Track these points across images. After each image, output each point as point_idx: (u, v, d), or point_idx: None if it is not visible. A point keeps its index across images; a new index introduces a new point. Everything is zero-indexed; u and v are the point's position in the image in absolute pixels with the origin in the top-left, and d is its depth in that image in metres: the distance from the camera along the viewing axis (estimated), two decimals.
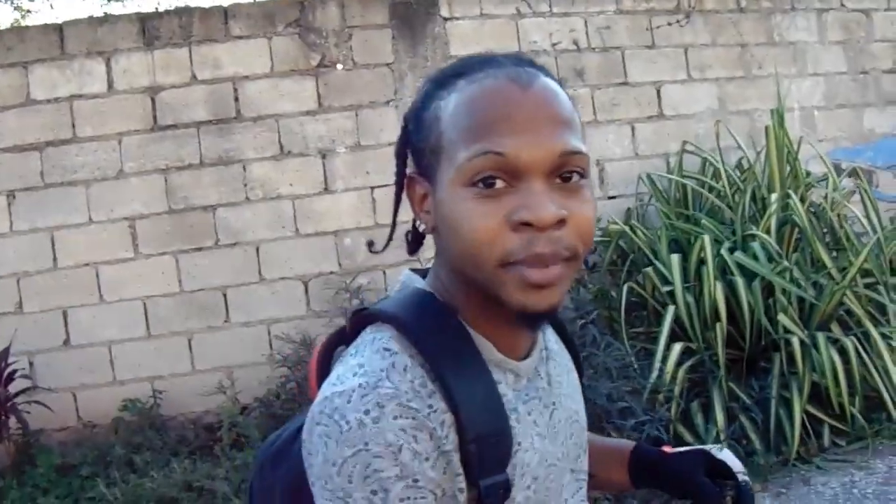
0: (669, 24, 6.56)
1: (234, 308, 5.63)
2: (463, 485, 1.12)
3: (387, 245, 1.37)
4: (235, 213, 5.63)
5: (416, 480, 1.07)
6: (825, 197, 5.82)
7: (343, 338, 1.27)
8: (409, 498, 1.06)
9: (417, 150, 1.21)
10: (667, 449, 1.56)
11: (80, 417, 5.45)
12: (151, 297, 5.57)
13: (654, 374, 4.98)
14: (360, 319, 1.22)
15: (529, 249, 1.08)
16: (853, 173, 6.39)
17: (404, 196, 1.28)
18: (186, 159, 5.60)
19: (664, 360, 5.03)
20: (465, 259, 1.12)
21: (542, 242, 1.09)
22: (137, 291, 5.56)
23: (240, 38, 5.71)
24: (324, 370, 1.26)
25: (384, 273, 5.79)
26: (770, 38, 6.92)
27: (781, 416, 5.08)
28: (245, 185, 5.65)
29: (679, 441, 4.91)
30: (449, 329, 1.17)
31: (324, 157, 5.75)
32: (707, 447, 1.53)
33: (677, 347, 5.06)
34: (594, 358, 4.66)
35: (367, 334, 1.19)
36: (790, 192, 5.58)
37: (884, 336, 5.36)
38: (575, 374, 1.46)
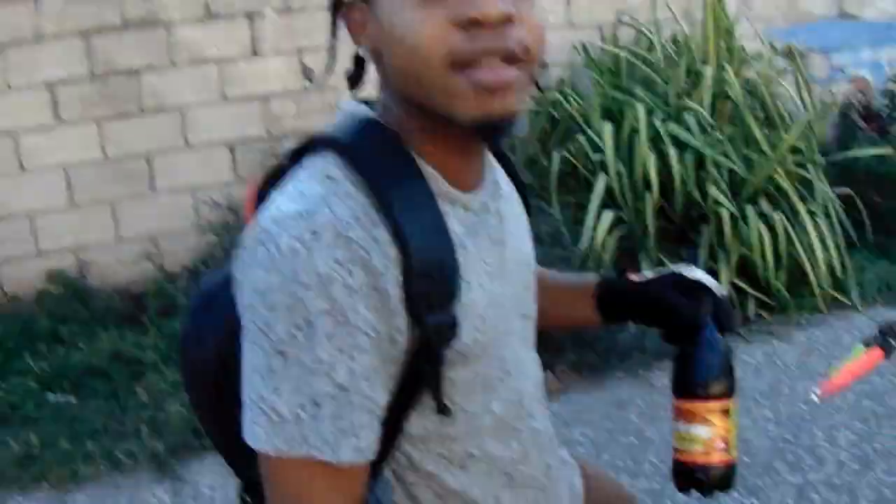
0: None
1: (159, 175, 5.50)
2: (403, 326, 1.08)
3: (356, 72, 1.25)
4: (160, 76, 5.45)
5: (345, 317, 1.03)
6: (759, 74, 5.81)
7: (282, 171, 1.22)
8: (336, 335, 1.02)
9: None
10: (633, 277, 1.49)
11: (4, 291, 5.30)
12: (74, 165, 5.39)
13: (585, 241, 4.98)
14: (301, 148, 1.17)
15: (477, 45, 1.04)
16: (787, 53, 6.38)
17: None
18: (108, 21, 5.37)
19: (595, 227, 5.02)
20: (410, 74, 1.08)
21: (491, 38, 1.05)
22: (59, 159, 5.37)
23: None
24: (260, 203, 1.20)
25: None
26: None
27: None
28: (169, 49, 5.45)
29: None
30: (396, 156, 1.13)
31: (251, 19, 5.57)
32: (676, 267, 1.47)
33: (608, 216, 5.06)
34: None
35: (307, 161, 1.14)
36: (725, 65, 5.55)
37: (810, 213, 5.42)
38: (525, 216, 1.41)
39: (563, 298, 1.56)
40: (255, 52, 5.58)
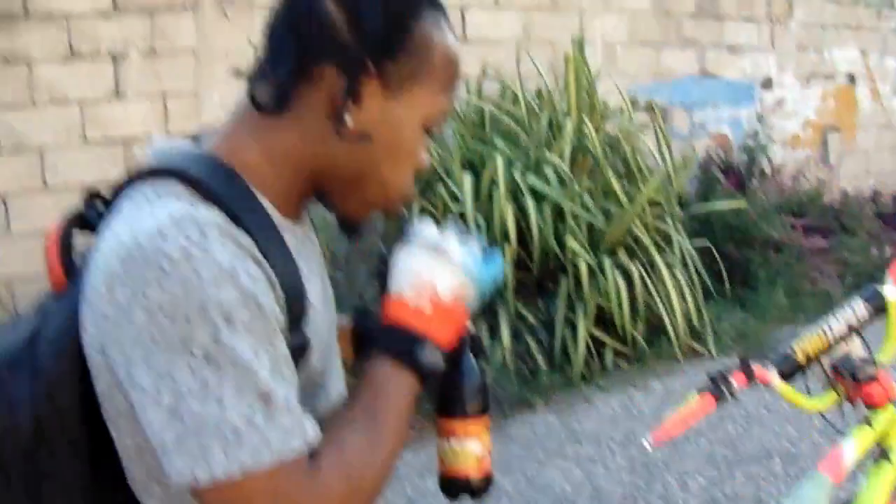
0: None
1: (15, 217, 5.34)
2: (284, 323, 1.07)
3: (281, 98, 1.17)
4: (19, 116, 5.31)
5: (257, 303, 1.00)
6: (619, 128, 5.97)
7: (84, 220, 1.18)
8: (254, 324, 1.00)
9: (389, 54, 1.13)
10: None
11: None
12: None
13: None
14: (132, 177, 1.11)
15: (411, 192, 1.25)
16: (649, 108, 6.58)
17: None
18: None
19: None
20: (378, 175, 1.18)
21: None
22: None
23: None
24: (66, 251, 1.16)
25: (97, 190, 5.58)
26: None
27: (567, 338, 5.23)
28: (31, 88, 5.34)
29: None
30: (233, 183, 1.10)
31: (116, 61, 5.49)
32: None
33: None
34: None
35: (143, 189, 1.08)
36: (586, 119, 5.69)
37: (668, 265, 5.58)
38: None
39: None
40: (118, 94, 5.50)
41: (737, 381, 2.01)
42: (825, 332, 2.11)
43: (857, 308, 2.12)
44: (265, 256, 1.05)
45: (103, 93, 5.45)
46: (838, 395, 2.13)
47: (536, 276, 5.35)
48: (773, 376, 2.07)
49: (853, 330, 2.11)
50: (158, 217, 1.01)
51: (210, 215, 1.02)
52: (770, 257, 6.69)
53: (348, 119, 1.12)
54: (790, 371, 2.10)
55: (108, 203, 1.16)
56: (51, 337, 1.08)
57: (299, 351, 1.10)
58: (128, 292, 0.98)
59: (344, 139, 1.13)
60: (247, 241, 1.04)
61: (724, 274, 6.28)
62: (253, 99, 1.14)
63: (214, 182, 1.08)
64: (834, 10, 8.89)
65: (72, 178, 5.38)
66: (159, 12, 5.55)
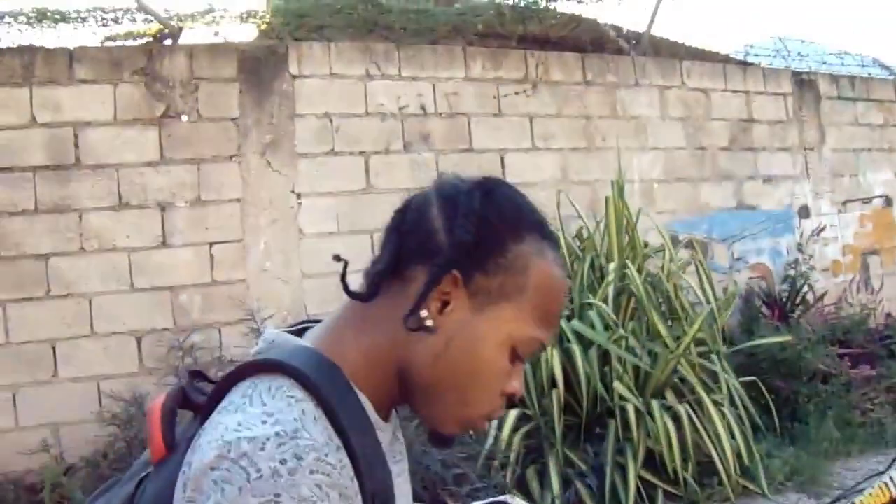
0: (516, 93, 6.70)
1: (62, 362, 5.39)
2: None
3: (372, 288, 1.22)
4: (69, 263, 5.42)
5: None
6: (662, 267, 5.98)
7: (186, 396, 1.24)
8: None
9: (480, 266, 1.18)
10: None
11: None
12: None
13: (490, 440, 4.98)
14: (238, 372, 1.16)
15: (500, 411, 1.23)
16: (689, 245, 6.59)
17: None
18: (20, 204, 5.36)
19: (500, 426, 5.03)
20: (456, 389, 1.18)
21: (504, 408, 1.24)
22: None
23: (84, 82, 5.54)
24: (168, 426, 1.20)
25: (219, 331, 5.66)
26: (613, 111, 7.15)
27: (617, 482, 5.15)
28: (80, 235, 5.45)
29: None
30: (342, 387, 1.14)
31: (163, 210, 5.60)
32: (501, 498, 1.57)
33: (513, 413, 5.08)
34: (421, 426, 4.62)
35: (256, 383, 1.12)
36: (628, 261, 5.71)
37: (715, 403, 5.51)
38: None
39: None
40: (164, 242, 5.59)
41: None
42: (888, 486, 2.07)
43: None
44: (358, 462, 1.08)
45: (150, 241, 5.54)
46: None
47: (584, 421, 5.30)
48: None
49: None
50: (266, 427, 1.04)
51: (312, 442, 1.04)
52: (818, 389, 6.60)
53: (424, 315, 1.15)
54: None
55: (212, 382, 1.23)
56: (149, 500, 1.14)
57: None
58: (212, 483, 1.02)
59: (418, 332, 1.16)
60: (342, 465, 1.06)
61: (773, 408, 6.18)
62: (346, 287, 1.21)
63: (321, 382, 1.11)
64: (865, 134, 8.95)
65: (119, 325, 5.44)
66: (205, 162, 5.69)
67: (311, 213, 5.97)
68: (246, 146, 5.81)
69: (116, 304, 5.48)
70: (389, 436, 1.25)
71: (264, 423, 1.05)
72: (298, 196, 5.94)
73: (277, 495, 0.99)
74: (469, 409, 1.20)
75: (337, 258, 1.31)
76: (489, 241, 1.17)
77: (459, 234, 1.15)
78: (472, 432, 1.17)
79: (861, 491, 2.11)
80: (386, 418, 1.24)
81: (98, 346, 5.45)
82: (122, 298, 5.49)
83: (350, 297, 1.21)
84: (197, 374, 1.29)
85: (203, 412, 1.16)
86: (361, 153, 6.17)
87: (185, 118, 5.68)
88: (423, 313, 1.15)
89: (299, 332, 1.26)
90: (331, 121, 6.08)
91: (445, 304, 1.16)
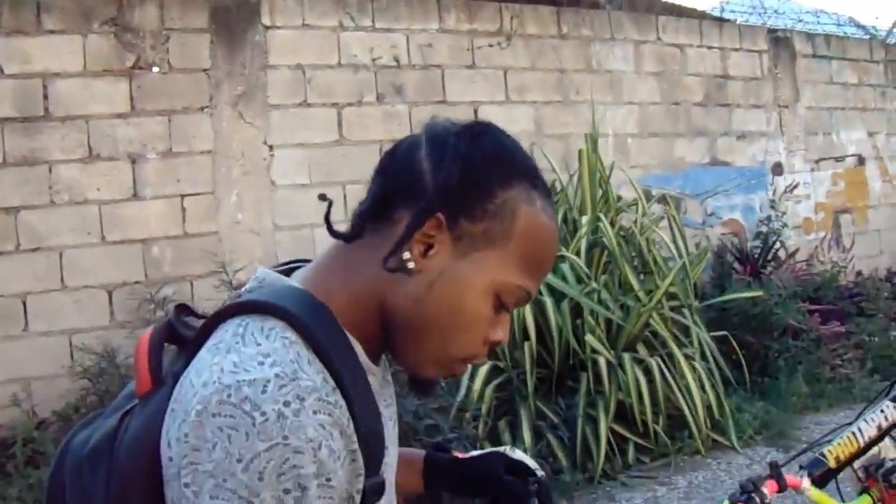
0: (491, 45, 6.66)
1: (33, 316, 5.35)
2: (361, 485, 1.10)
3: (355, 229, 1.22)
4: (39, 216, 5.36)
5: (328, 480, 1.03)
6: (635, 222, 5.99)
7: (173, 330, 1.23)
8: (320, 497, 1.02)
9: (466, 210, 1.15)
10: (458, 454, 1.61)
11: None
12: None
13: (462, 391, 5.00)
14: (227, 310, 1.14)
15: (482, 359, 1.21)
16: (662, 199, 6.61)
17: None
18: None
19: (472, 378, 5.05)
20: (438, 332, 1.16)
21: (486, 356, 1.23)
22: None
23: (52, 32, 5.44)
24: (156, 360, 1.19)
25: (191, 284, 5.63)
26: (588, 65, 7.13)
27: (588, 435, 5.19)
28: (50, 188, 5.38)
29: None
30: (334, 329, 1.13)
31: (134, 162, 5.55)
32: (501, 449, 1.60)
33: (485, 366, 5.09)
34: (401, 374, 4.63)
35: (247, 322, 1.11)
36: (601, 215, 5.71)
37: (687, 357, 5.55)
38: None
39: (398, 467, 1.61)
40: (136, 195, 5.54)
41: (768, 489, 1.96)
42: (856, 436, 2.08)
43: (887, 410, 2.10)
44: (352, 404, 1.08)
45: (121, 193, 5.49)
46: (872, 499, 2.09)
47: (556, 374, 5.33)
48: (805, 483, 2.03)
49: (884, 432, 2.09)
50: (265, 369, 1.03)
51: (312, 383, 1.04)
52: (788, 345, 6.65)
53: (406, 257, 1.14)
54: (822, 477, 2.06)
55: (199, 317, 1.22)
56: (133, 437, 1.11)
57: (377, 491, 1.13)
58: (216, 429, 1.01)
59: (403, 273, 1.15)
60: (339, 405, 1.06)
61: (744, 363, 6.23)
62: (329, 227, 1.21)
63: (313, 324, 1.11)
64: (839, 93, 8.99)
65: (90, 279, 5.40)
66: (176, 114, 5.62)
67: (284, 165, 5.93)
68: (218, 97, 5.75)
69: (87, 257, 5.43)
70: (379, 379, 1.25)
71: (261, 364, 1.04)
72: (271, 148, 5.90)
73: (286, 438, 1.00)
74: (449, 351, 1.18)
75: (322, 197, 1.31)
76: (475, 185, 1.15)
77: (444, 177, 1.14)
78: (445, 381, 1.15)
79: (830, 441, 2.11)
80: (375, 362, 1.23)
81: (69, 300, 5.41)
82: (93, 251, 5.45)
83: (334, 237, 1.20)
84: (184, 309, 1.27)
85: (191, 348, 1.15)
86: (334, 105, 6.12)
87: (155, 69, 5.61)
88: (406, 255, 1.14)
89: (288, 273, 1.25)
90: (303, 72, 6.03)
91: (429, 247, 1.15)
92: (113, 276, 5.47)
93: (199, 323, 1.20)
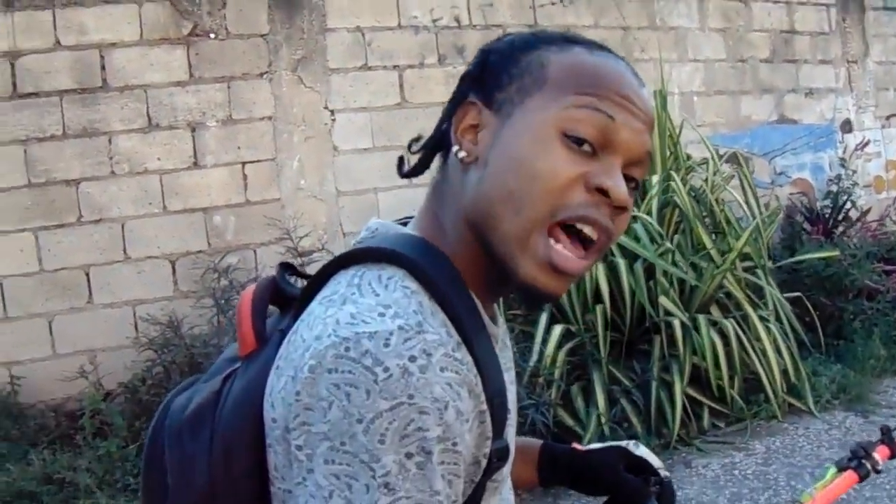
0: (553, 3, 6.52)
1: (97, 288, 5.33)
2: (488, 448, 1.01)
3: (419, 163, 1.19)
4: (100, 187, 5.33)
5: (454, 444, 0.94)
6: (706, 180, 5.83)
7: (278, 288, 1.15)
8: (444, 463, 0.93)
9: (495, 83, 1.08)
10: (577, 447, 1.51)
11: None
12: (9, 276, 5.21)
13: (535, 357, 4.89)
14: (339, 260, 1.05)
15: (589, 210, 1.02)
16: (732, 159, 6.44)
17: None
18: (48, 130, 5.25)
19: (544, 342, 4.94)
20: (508, 199, 1.02)
21: (602, 212, 1.03)
22: None
23: (108, 2, 5.38)
24: (260, 317, 1.10)
25: (255, 252, 5.58)
26: (652, 22, 6.96)
27: (662, 399, 5.07)
28: (110, 159, 5.35)
29: (560, 425, 4.85)
30: (455, 282, 1.04)
31: (193, 130, 5.49)
32: (623, 443, 1.49)
33: (557, 330, 4.99)
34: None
35: (363, 272, 1.02)
36: (672, 173, 5.56)
37: (762, 318, 5.41)
38: None
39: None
40: (196, 163, 5.49)
41: (880, 455, 1.85)
42: None
43: None
44: (478, 361, 0.99)
45: (182, 162, 5.44)
46: None
47: (629, 337, 5.20)
48: None
49: None
50: (386, 320, 0.94)
51: (438, 336, 0.95)
52: (863, 306, 6.46)
53: (462, 155, 1.07)
54: None
55: (306, 277, 1.11)
56: (235, 400, 1.04)
57: (503, 455, 1.04)
58: (332, 387, 0.92)
59: (467, 174, 1.07)
60: (466, 362, 0.97)
61: (818, 326, 6.06)
62: (399, 169, 1.16)
63: (436, 273, 1.02)
64: None
65: (153, 249, 5.37)
66: (235, 80, 5.56)
67: (345, 130, 5.84)
68: (276, 63, 5.66)
69: (149, 227, 5.40)
70: (499, 341, 1.14)
71: (382, 315, 0.95)
72: (332, 112, 5.81)
73: (411, 396, 0.90)
74: (524, 214, 1.01)
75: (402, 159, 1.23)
76: (497, 61, 1.09)
77: (468, 70, 1.12)
78: (555, 269, 0.93)
79: None
80: (493, 319, 1.13)
81: (132, 271, 5.38)
82: (155, 222, 5.41)
83: (402, 177, 1.17)
84: (288, 267, 1.19)
85: (299, 304, 1.06)
86: (395, 67, 6.01)
87: (213, 36, 5.54)
88: (461, 153, 1.07)
89: (403, 225, 1.16)
90: (363, 35, 5.92)
91: (474, 132, 1.08)
92: (175, 245, 5.43)
93: (304, 284, 1.10)
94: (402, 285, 0.99)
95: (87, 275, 5.31)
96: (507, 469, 1.11)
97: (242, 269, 5.40)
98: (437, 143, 1.14)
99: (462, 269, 1.05)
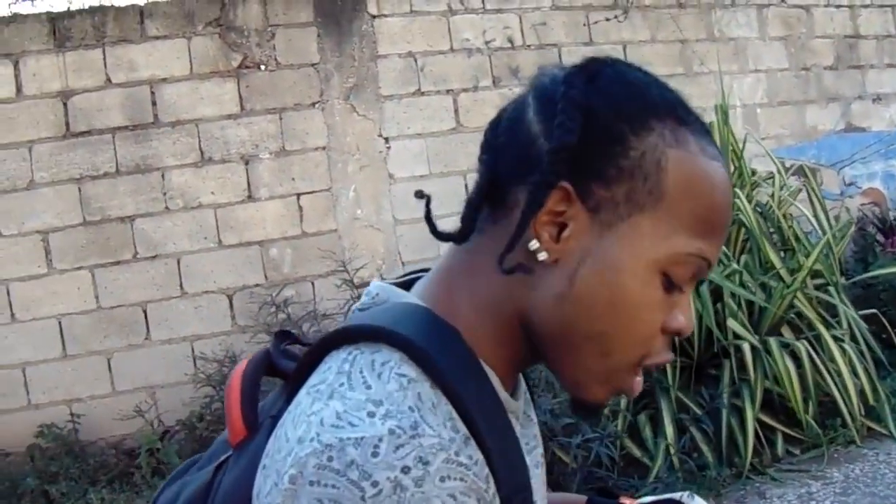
0: (607, 19, 6.38)
1: (154, 325, 5.32)
2: None
3: (464, 224, 0.97)
4: (154, 223, 5.32)
5: None
6: (772, 196, 5.64)
7: (272, 362, 1.03)
8: None
9: (597, 172, 0.91)
10: (626, 501, 1.32)
11: None
12: (67, 314, 5.24)
13: None
14: (332, 337, 0.92)
15: (663, 356, 0.96)
16: (798, 171, 6.24)
17: None
18: (101, 167, 5.27)
19: None
20: (598, 339, 0.91)
21: (669, 351, 0.97)
22: (52, 309, 5.22)
23: (157, 38, 5.40)
24: (250, 402, 0.99)
25: (312, 284, 5.52)
26: (710, 34, 6.80)
27: (733, 426, 4.89)
28: (164, 194, 5.34)
29: (627, 457, 4.70)
30: (462, 354, 0.91)
31: (247, 163, 5.46)
32: (677, 495, 1.30)
33: None
34: (533, 371, 4.42)
35: (355, 355, 0.89)
36: (737, 191, 5.39)
37: (836, 338, 5.21)
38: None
39: None
40: (250, 196, 5.44)
41: None
42: None
43: None
44: (491, 455, 0.85)
45: (236, 195, 5.40)
46: None
47: (697, 362, 5.03)
48: None
49: None
50: (376, 423, 0.81)
51: (438, 440, 0.81)
52: None
53: (535, 247, 0.90)
54: None
55: (304, 345, 1.01)
56: (223, 499, 0.93)
57: None
58: (314, 502, 0.79)
59: (537, 269, 0.92)
60: (476, 461, 0.83)
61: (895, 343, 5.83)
62: (433, 228, 0.99)
63: (439, 354, 0.87)
64: None
65: (209, 284, 5.34)
66: (287, 111, 5.52)
67: (401, 157, 5.76)
68: (328, 92, 5.61)
69: (205, 262, 5.37)
70: (520, 416, 1.00)
71: (371, 416, 0.82)
72: (386, 140, 5.74)
73: None
74: (613, 359, 0.92)
75: (419, 195, 1.04)
76: (602, 138, 0.90)
77: (559, 136, 0.89)
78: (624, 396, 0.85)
79: None
80: (513, 394, 0.99)
81: (189, 307, 5.35)
82: (211, 256, 5.38)
83: (440, 239, 0.97)
84: (285, 336, 1.07)
85: (290, 385, 0.93)
86: (449, 91, 5.92)
87: (263, 67, 5.51)
88: (534, 244, 0.91)
89: (408, 286, 1.02)
90: (415, 60, 5.84)
91: (562, 228, 0.91)
92: (232, 280, 5.39)
93: (301, 351, 0.97)
94: (397, 373, 0.86)
95: (145, 311, 5.31)
96: None
97: (300, 303, 5.35)
98: (489, 200, 0.96)
99: (479, 345, 0.92)
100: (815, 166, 6.88)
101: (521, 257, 0.91)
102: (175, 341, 5.33)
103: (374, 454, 0.79)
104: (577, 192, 0.90)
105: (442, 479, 0.79)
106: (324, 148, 5.59)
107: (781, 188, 5.74)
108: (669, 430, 4.74)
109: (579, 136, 0.89)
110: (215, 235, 5.38)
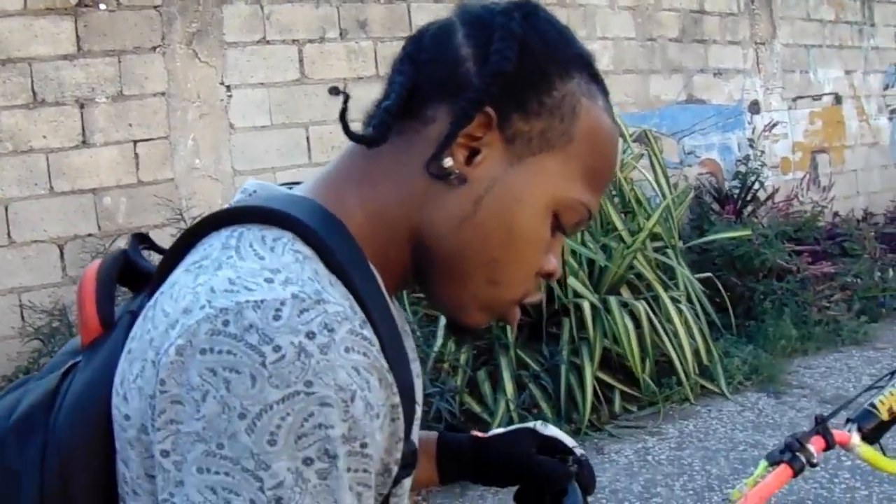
0: None
1: None
2: (400, 453, 0.84)
3: (379, 128, 0.92)
4: None
5: (363, 446, 0.76)
6: None
7: (130, 264, 0.97)
8: (352, 469, 0.75)
9: (520, 104, 0.91)
10: (478, 434, 1.35)
11: None
12: None
13: (439, 341, 4.73)
14: (209, 220, 0.87)
15: (537, 295, 0.99)
16: (641, 138, 6.37)
17: None
18: None
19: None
20: (488, 265, 0.92)
21: (540, 291, 1.01)
22: None
23: None
24: (107, 297, 0.91)
25: (148, 234, 5.32)
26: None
27: (572, 383, 4.98)
28: None
29: (466, 413, 4.72)
30: (352, 246, 0.87)
31: (82, 106, 5.20)
32: (530, 424, 1.34)
33: None
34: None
35: (242, 232, 0.84)
36: None
37: (673, 300, 5.37)
38: None
39: None
40: (85, 142, 5.21)
41: (815, 446, 1.72)
42: None
43: None
44: (384, 345, 0.81)
45: (70, 140, 5.17)
46: None
47: (537, 320, 5.08)
48: (854, 438, 1.80)
49: None
50: (275, 287, 0.76)
51: (342, 308, 0.77)
52: (774, 286, 6.45)
53: (449, 164, 0.89)
54: (874, 431, 1.82)
55: (162, 251, 0.92)
56: (75, 398, 0.85)
57: (411, 462, 0.88)
58: (207, 372, 0.73)
59: (442, 184, 0.91)
60: (375, 343, 0.79)
61: (729, 306, 6.03)
62: (347, 129, 0.92)
63: (337, 245, 0.84)
64: (817, 29, 8.80)
65: (39, 233, 5.10)
66: (126, 54, 5.29)
67: (242, 106, 5.59)
68: (170, 36, 5.39)
69: (35, 209, 5.10)
70: (400, 326, 0.94)
71: (270, 281, 0.76)
72: (228, 88, 5.56)
73: (309, 384, 0.72)
74: (500, 289, 0.93)
75: (334, 91, 1.03)
76: (532, 74, 0.91)
77: (496, 62, 0.89)
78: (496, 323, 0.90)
79: (880, 389, 1.86)
80: (392, 295, 0.96)
81: (17, 256, 5.09)
82: (41, 203, 5.12)
83: (354, 141, 0.92)
84: (143, 239, 1.02)
85: (156, 277, 0.86)
86: (294, 41, 5.76)
87: (103, 7, 5.26)
88: (448, 161, 0.90)
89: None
90: (261, 7, 5.67)
91: (475, 151, 0.91)
92: (63, 229, 5.15)
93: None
94: (291, 248, 0.81)
95: None
96: (410, 480, 0.95)
97: None
98: (403, 110, 0.93)
99: (365, 249, 0.88)
100: (657, 134, 7.04)
101: (436, 169, 0.90)
102: (1, 293, 5.06)
103: (276, 317, 0.73)
104: (498, 119, 0.90)
105: (347, 350, 0.74)
106: (163, 94, 5.38)
107: (624, 152, 5.85)
108: (509, 386, 4.78)
109: (514, 65, 0.90)
110: (46, 182, 5.12)
